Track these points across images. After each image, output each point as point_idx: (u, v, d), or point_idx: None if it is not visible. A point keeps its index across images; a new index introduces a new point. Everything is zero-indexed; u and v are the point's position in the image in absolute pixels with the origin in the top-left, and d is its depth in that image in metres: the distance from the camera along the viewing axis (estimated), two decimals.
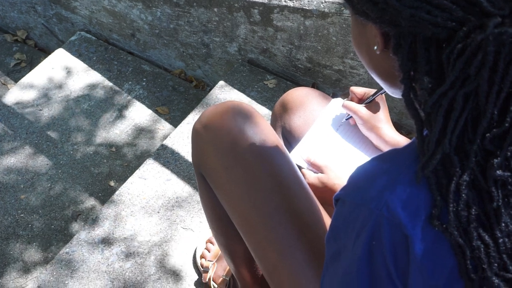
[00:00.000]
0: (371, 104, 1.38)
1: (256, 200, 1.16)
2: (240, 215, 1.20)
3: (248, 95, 2.26)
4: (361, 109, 1.37)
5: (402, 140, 1.34)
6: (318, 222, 1.17)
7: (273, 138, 1.21)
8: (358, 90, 1.41)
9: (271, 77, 2.31)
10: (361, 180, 0.82)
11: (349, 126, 1.45)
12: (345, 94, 2.17)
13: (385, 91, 1.34)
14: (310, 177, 1.34)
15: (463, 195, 0.70)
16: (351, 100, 1.43)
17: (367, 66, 0.91)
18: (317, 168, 1.37)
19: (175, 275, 1.74)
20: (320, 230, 1.17)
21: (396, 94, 0.91)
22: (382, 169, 0.79)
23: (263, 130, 1.20)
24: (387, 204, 0.74)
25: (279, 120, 1.53)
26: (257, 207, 1.16)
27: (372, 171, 0.81)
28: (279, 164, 1.18)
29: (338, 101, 1.48)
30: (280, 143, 1.22)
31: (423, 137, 0.74)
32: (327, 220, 1.19)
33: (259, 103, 2.22)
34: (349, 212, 0.81)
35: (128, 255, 1.79)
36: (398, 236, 0.74)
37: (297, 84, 2.29)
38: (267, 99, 2.23)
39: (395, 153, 0.82)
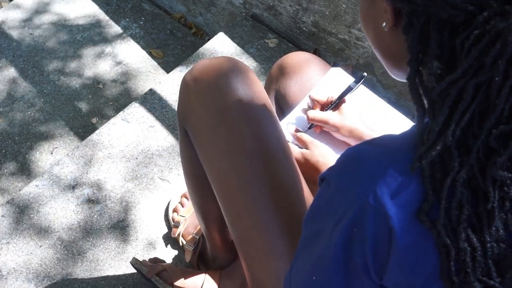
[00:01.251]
0: (339, 105, 1.30)
1: (236, 164, 1.11)
2: (218, 176, 1.14)
3: (247, 51, 2.17)
4: (332, 116, 1.29)
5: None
6: (298, 198, 1.12)
7: (265, 102, 1.14)
8: (320, 97, 1.31)
9: (273, 36, 2.22)
10: (350, 162, 0.76)
11: (314, 134, 1.34)
12: (346, 65, 2.09)
13: (352, 90, 1.27)
14: (294, 151, 1.28)
15: (458, 192, 0.65)
16: (313, 108, 1.33)
17: (372, 42, 0.85)
18: (302, 143, 1.31)
19: (144, 225, 1.69)
20: (300, 206, 1.11)
21: (398, 76, 0.85)
22: (374, 153, 0.73)
23: (256, 93, 1.13)
24: (374, 191, 0.69)
25: (274, 83, 1.47)
26: (236, 171, 1.10)
27: (363, 154, 0.75)
28: (266, 130, 1.12)
29: (338, 72, 1.41)
30: (272, 108, 1.15)
31: (423, 125, 0.68)
32: (309, 198, 1.14)
33: (257, 61, 2.14)
34: (333, 194, 0.76)
35: (99, 197, 1.73)
36: (382, 227, 0.69)
37: (299, 47, 2.20)
38: (266, 59, 2.15)
39: (390, 139, 0.76)
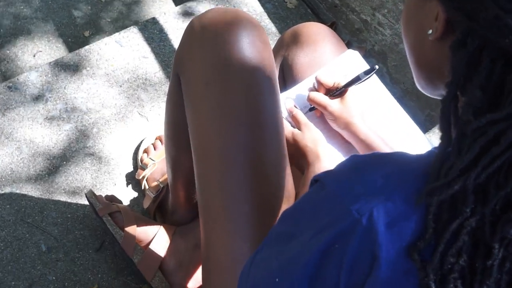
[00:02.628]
0: (343, 93, 1.21)
1: (222, 127, 1.01)
2: (200, 134, 1.05)
3: (263, 5, 2.04)
4: (332, 103, 1.19)
5: (376, 139, 1.18)
6: (278, 180, 1.03)
7: (271, 71, 1.04)
8: (326, 80, 1.21)
9: None
10: (354, 172, 0.68)
11: (313, 117, 1.26)
12: (360, 47, 1.98)
13: (361, 81, 1.17)
14: (286, 129, 1.19)
15: (460, 239, 0.58)
16: (318, 91, 1.23)
17: (408, 46, 0.77)
18: (296, 122, 1.22)
19: (110, 158, 1.59)
20: (277, 189, 1.03)
21: (425, 89, 0.78)
22: (382, 171, 0.65)
23: (264, 59, 1.03)
24: (371, 212, 0.61)
25: (284, 49, 1.37)
26: (220, 134, 1.01)
27: (370, 168, 0.67)
28: (263, 101, 1.02)
29: (354, 56, 1.31)
30: (275, 80, 1.05)
31: (444, 156, 0.60)
32: (289, 182, 1.05)
33: (270, 18, 2.01)
34: (324, 200, 0.68)
35: (71, 117, 1.62)
36: (366, 253, 0.62)
37: (317, 16, 2.08)
38: (280, 18, 2.03)
39: (403, 159, 0.68)
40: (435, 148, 0.70)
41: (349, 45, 1.98)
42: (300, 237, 0.70)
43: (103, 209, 1.39)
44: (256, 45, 1.03)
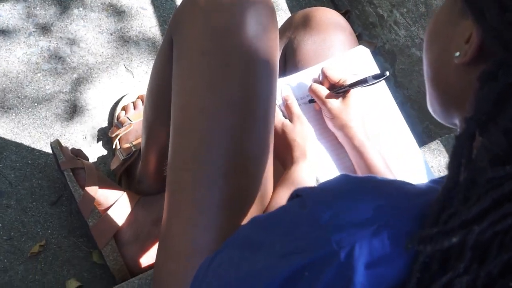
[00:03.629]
0: (346, 92, 1.11)
1: (208, 104, 0.92)
2: (183, 108, 0.95)
3: None
4: (332, 100, 1.10)
5: (370, 150, 1.09)
6: (257, 173, 0.94)
7: (273, 55, 0.94)
8: (333, 73, 1.11)
9: None
10: (341, 196, 0.59)
11: (311, 109, 1.16)
12: (370, 42, 1.88)
13: (367, 85, 1.07)
14: (276, 117, 1.09)
15: None
16: (321, 84, 1.14)
17: (429, 64, 0.68)
18: (288, 113, 1.12)
19: (85, 108, 1.48)
20: (254, 183, 0.94)
21: (436, 113, 0.70)
22: (373, 202, 0.56)
23: (268, 40, 0.93)
24: (352, 247, 0.53)
25: (292, 31, 1.26)
26: (204, 112, 0.91)
27: (360, 195, 0.58)
28: (260, 85, 0.93)
29: (365, 53, 1.21)
30: (276, 65, 0.95)
31: (446, 200, 0.51)
32: (268, 177, 0.96)
33: None
34: (303, 221, 0.59)
35: (52, 56, 1.51)
36: None
37: (331, 1, 1.97)
38: None
39: (399, 193, 0.58)
40: (433, 181, 0.61)
41: (359, 38, 1.87)
42: (269, 249, 0.61)
43: (66, 163, 1.29)
44: (264, 24, 0.93)
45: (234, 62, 0.92)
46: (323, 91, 1.11)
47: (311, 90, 1.12)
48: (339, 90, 1.10)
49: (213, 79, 0.92)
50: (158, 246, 0.98)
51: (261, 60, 0.92)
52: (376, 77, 1.05)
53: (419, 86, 1.74)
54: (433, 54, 0.66)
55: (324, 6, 1.89)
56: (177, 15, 1.01)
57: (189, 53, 0.96)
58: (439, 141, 1.57)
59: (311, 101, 1.15)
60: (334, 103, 1.10)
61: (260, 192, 0.94)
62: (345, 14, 1.91)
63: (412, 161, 1.18)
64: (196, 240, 0.90)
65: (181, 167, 0.94)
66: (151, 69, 1.54)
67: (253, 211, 0.93)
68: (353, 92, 1.10)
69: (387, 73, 1.04)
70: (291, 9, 1.86)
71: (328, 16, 1.25)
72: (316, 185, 0.63)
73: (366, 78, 1.06)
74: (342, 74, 1.11)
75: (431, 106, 0.70)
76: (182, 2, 1.01)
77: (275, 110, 0.97)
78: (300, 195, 0.62)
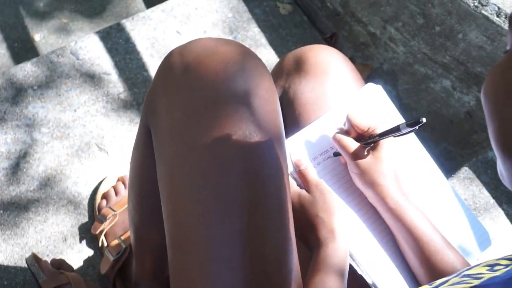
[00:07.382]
0: (375, 146, 0.91)
1: (207, 208, 0.74)
2: (176, 216, 0.78)
3: (251, 10, 1.71)
4: (360, 153, 0.90)
5: (409, 210, 0.89)
6: (277, 266, 0.76)
7: (274, 126, 0.77)
8: (360, 122, 0.91)
9: (288, 1, 1.77)
10: None
11: (336, 164, 0.96)
12: (365, 64, 1.68)
13: (400, 134, 0.87)
14: (291, 188, 0.89)
15: None
16: (347, 134, 0.93)
17: (501, 125, 0.53)
18: (304, 182, 0.92)
19: (60, 205, 1.26)
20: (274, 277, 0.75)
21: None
22: None
23: (268, 113, 0.76)
24: None
25: (284, 79, 1.08)
26: (203, 219, 0.74)
27: None
28: (265, 167, 0.75)
29: (377, 91, 1.01)
30: (280, 125, 0.79)
31: None
32: (297, 279, 0.77)
33: (259, 26, 1.69)
34: None
35: (11, 151, 1.29)
36: None
37: (314, 25, 1.76)
38: (271, 27, 1.70)
39: None
40: None
41: (352, 60, 1.67)
42: None
43: (48, 281, 1.08)
44: (261, 96, 0.74)
45: (230, 151, 0.74)
46: (351, 143, 0.90)
47: (335, 140, 0.92)
48: (367, 140, 0.90)
49: (207, 175, 0.75)
50: None
51: (263, 130, 0.74)
52: (410, 124, 0.84)
53: (429, 106, 1.55)
54: (507, 113, 0.51)
55: (305, 32, 1.70)
56: (150, 96, 0.82)
57: (172, 146, 0.77)
58: (467, 168, 1.37)
59: (336, 154, 0.95)
60: (362, 156, 0.90)
61: None
62: (332, 38, 1.71)
63: (455, 219, 0.99)
64: None
65: (188, 286, 0.75)
66: (126, 144, 1.33)
67: None
68: (383, 142, 0.90)
69: (424, 120, 0.84)
70: (271, 42, 1.66)
71: (323, 55, 1.06)
72: None
73: (398, 126, 0.85)
74: (371, 122, 0.90)
75: (504, 176, 0.56)
76: (154, 79, 0.82)
77: (289, 183, 0.79)
78: None
